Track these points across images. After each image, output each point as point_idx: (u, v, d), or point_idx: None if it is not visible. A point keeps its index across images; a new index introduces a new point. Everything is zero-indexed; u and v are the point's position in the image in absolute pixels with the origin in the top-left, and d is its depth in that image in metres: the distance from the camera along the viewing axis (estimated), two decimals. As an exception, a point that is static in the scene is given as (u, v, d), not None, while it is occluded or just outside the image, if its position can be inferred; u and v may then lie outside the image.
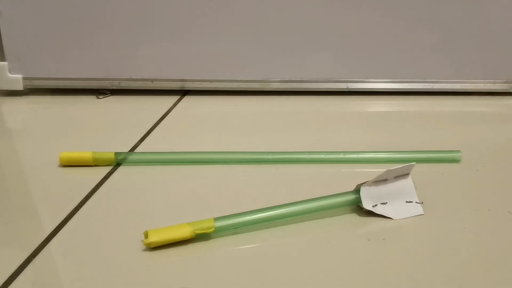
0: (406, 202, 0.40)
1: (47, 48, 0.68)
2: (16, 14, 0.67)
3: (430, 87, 0.71)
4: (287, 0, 0.66)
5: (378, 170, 0.40)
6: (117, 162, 0.49)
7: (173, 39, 0.68)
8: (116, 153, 0.49)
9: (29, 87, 0.71)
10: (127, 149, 0.53)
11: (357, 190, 0.39)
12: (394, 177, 0.40)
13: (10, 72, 0.69)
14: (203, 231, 0.36)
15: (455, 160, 0.50)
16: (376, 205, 0.39)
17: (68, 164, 0.49)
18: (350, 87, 0.70)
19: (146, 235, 0.35)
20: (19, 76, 0.70)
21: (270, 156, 0.49)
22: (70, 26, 0.67)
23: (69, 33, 0.68)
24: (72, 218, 0.40)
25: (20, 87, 0.70)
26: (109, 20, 0.67)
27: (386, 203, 0.39)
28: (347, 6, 0.66)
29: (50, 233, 0.38)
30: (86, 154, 0.48)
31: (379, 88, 0.71)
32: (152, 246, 0.35)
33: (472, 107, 0.68)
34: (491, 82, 0.70)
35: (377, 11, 0.67)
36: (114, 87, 0.70)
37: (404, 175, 0.40)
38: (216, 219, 0.37)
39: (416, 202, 0.40)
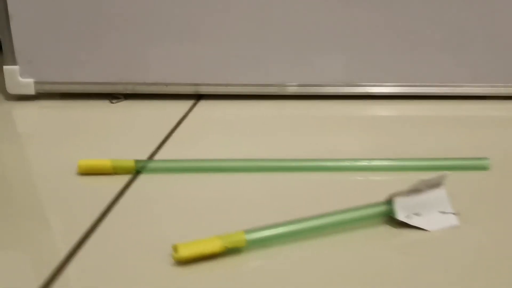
0: (440, 212, 0.39)
1: (59, 52, 0.67)
2: (28, 18, 0.66)
3: (449, 91, 0.69)
4: (303, 4, 0.65)
5: (406, 177, 0.39)
6: (137, 170, 0.48)
7: (187, 42, 0.67)
8: (136, 161, 0.48)
9: (40, 91, 0.70)
10: (144, 156, 0.52)
11: (389, 201, 0.38)
12: (427, 187, 0.38)
13: (21, 76, 0.68)
14: (234, 245, 0.35)
15: (483, 168, 0.48)
16: (409, 215, 0.38)
17: (86, 173, 0.48)
18: (367, 91, 0.69)
19: (175, 249, 0.34)
20: (31, 80, 0.69)
21: (294, 164, 0.48)
22: (82, 29, 0.66)
23: (81, 36, 0.67)
24: (95, 230, 0.39)
25: (31, 91, 0.69)
26: (122, 24, 0.66)
27: (420, 214, 0.38)
28: (364, 10, 0.65)
29: (73, 247, 0.36)
30: (105, 162, 0.47)
31: (396, 92, 0.69)
32: (182, 261, 0.34)
33: (493, 112, 0.67)
34: (511, 86, 0.69)
35: (395, 14, 0.65)
36: (127, 92, 0.69)
37: (437, 185, 0.39)
38: (246, 232, 0.36)
39: (450, 213, 0.39)
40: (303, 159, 0.49)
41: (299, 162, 0.48)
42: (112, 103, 0.69)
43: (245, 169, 0.48)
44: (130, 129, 0.60)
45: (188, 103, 0.68)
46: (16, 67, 0.68)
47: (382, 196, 0.39)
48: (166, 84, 0.68)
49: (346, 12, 0.65)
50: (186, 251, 0.34)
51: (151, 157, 0.52)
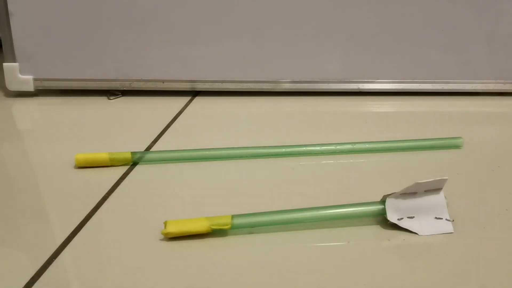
0: (436, 218, 0.37)
1: (58, 49, 0.66)
2: (27, 15, 0.65)
3: (440, 88, 0.71)
4: (297, 1, 0.65)
5: (387, 159, 0.39)
6: (133, 162, 0.48)
7: (183, 40, 0.66)
8: (132, 153, 0.48)
9: (39, 88, 0.69)
10: (141, 150, 0.52)
11: (383, 201, 0.37)
12: (424, 191, 0.37)
13: (21, 73, 0.68)
14: (220, 227, 0.35)
15: (456, 146, 0.50)
16: (402, 218, 0.37)
17: (84, 166, 0.47)
18: (360, 87, 0.70)
19: (165, 225, 0.35)
20: (30, 77, 0.68)
21: (283, 150, 0.50)
22: (80, 27, 0.65)
23: (80, 34, 0.66)
24: (91, 218, 0.39)
25: (31, 88, 0.68)
26: (120, 21, 0.65)
27: (413, 217, 0.37)
28: (358, 7, 0.64)
29: (70, 233, 0.37)
30: (102, 155, 0.47)
31: (389, 89, 0.69)
32: (169, 236, 0.35)
33: (484, 108, 0.66)
34: (501, 83, 0.70)
35: (388, 12, 0.65)
36: (125, 88, 0.68)
37: (436, 190, 0.37)
38: (233, 216, 0.36)
39: (446, 220, 0.37)
40: (291, 145, 0.51)
41: (287, 147, 0.50)
42: (110, 99, 0.68)
43: (235, 156, 0.49)
44: (127, 125, 0.60)
45: (185, 99, 0.68)
46: (15, 64, 0.67)
47: (364, 175, 0.40)
48: (163, 81, 0.68)
49: (340, 10, 0.64)
50: (173, 228, 0.35)
51: (147, 150, 0.52)
